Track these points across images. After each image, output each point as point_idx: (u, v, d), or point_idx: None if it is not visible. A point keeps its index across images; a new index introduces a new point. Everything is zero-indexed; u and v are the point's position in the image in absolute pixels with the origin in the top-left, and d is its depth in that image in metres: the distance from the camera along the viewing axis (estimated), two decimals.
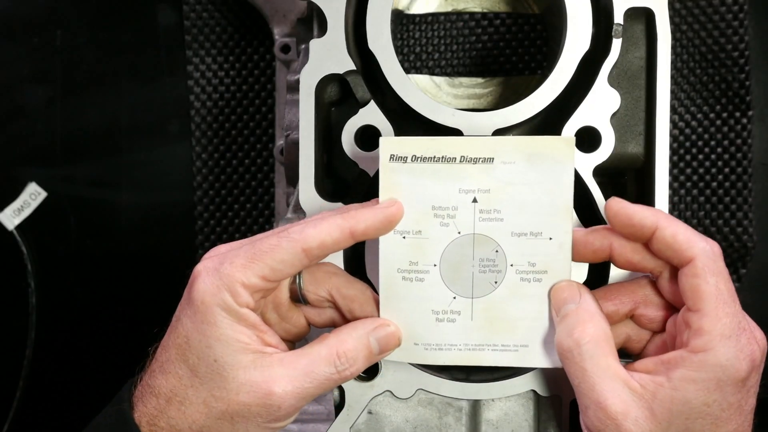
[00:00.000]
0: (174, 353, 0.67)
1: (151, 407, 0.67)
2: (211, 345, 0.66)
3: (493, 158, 0.69)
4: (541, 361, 0.72)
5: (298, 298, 0.71)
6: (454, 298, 0.71)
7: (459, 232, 0.71)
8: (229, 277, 0.66)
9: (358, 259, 0.77)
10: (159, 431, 0.67)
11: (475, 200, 0.70)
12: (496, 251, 0.70)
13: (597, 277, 0.76)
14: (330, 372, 0.67)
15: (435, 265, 0.71)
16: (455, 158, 0.69)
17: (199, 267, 0.68)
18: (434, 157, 0.70)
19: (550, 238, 0.70)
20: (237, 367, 0.66)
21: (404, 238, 0.71)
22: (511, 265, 0.70)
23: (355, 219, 0.67)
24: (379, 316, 0.71)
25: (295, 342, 0.74)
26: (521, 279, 0.70)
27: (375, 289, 0.73)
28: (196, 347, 0.66)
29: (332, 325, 0.72)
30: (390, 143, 0.70)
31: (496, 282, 0.71)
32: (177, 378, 0.67)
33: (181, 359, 0.67)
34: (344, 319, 0.72)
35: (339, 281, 0.71)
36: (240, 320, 0.66)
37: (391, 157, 0.70)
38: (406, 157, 0.70)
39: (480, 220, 0.70)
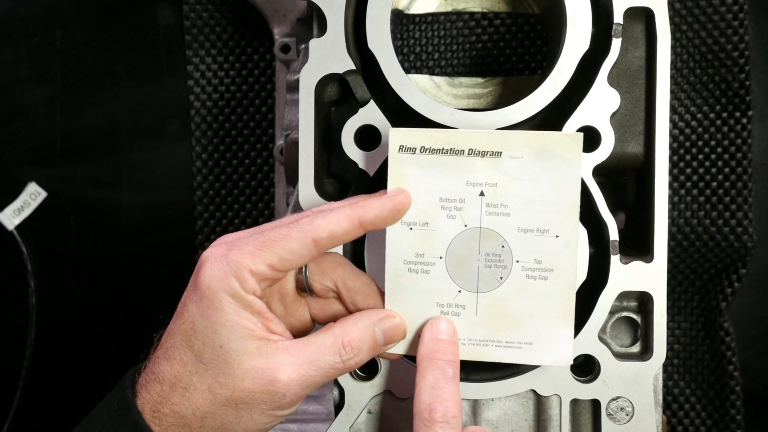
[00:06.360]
0: (179, 339, 0.67)
1: (154, 394, 0.67)
2: (217, 330, 0.66)
3: (501, 152, 0.69)
4: (545, 359, 0.71)
5: (303, 287, 0.71)
6: (459, 291, 0.71)
7: (465, 225, 0.71)
8: (237, 263, 0.65)
9: (359, 258, 0.77)
10: (162, 418, 0.67)
11: (482, 194, 0.70)
12: (502, 246, 0.70)
13: (597, 277, 0.76)
14: (335, 361, 0.67)
15: (441, 258, 0.71)
16: (463, 151, 0.69)
17: (207, 253, 0.68)
18: (443, 149, 0.70)
19: (557, 236, 0.69)
20: (242, 353, 0.66)
21: (411, 229, 0.71)
22: (517, 261, 0.70)
23: (364, 208, 0.67)
24: (384, 307, 0.71)
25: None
26: (527, 276, 0.70)
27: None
28: (202, 333, 0.66)
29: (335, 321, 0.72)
30: (400, 134, 0.70)
31: (501, 277, 0.71)
32: (182, 364, 0.67)
33: (187, 345, 0.67)
34: (348, 312, 0.72)
35: (345, 272, 0.71)
36: (246, 306, 0.66)
37: (401, 147, 0.70)
38: (415, 149, 0.70)
39: (486, 214, 0.70)
